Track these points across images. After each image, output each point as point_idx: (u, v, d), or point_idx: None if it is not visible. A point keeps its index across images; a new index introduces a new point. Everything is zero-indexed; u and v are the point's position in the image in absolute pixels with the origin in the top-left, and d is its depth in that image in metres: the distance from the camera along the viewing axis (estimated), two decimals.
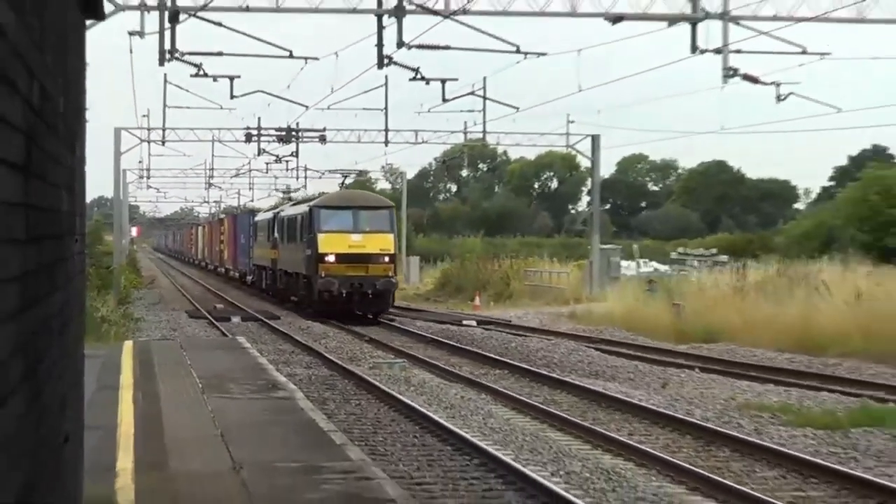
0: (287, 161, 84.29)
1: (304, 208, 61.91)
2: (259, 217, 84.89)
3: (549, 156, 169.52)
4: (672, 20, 38.60)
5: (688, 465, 20.97)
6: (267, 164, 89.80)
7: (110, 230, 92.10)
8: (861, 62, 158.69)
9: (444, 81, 49.80)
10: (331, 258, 56.10)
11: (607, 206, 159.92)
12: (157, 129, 77.51)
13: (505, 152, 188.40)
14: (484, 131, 72.65)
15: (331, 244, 56.44)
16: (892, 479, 20.37)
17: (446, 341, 45.95)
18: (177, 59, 40.16)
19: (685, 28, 38.63)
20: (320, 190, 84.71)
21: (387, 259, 56.61)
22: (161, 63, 39.56)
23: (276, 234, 71.00)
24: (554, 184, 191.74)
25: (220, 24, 39.15)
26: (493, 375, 35.63)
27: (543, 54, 40.93)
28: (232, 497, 14.39)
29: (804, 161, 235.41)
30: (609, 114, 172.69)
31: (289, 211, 69.36)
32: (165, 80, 68.72)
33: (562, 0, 38.28)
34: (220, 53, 43.67)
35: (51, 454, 7.94)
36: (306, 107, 62.10)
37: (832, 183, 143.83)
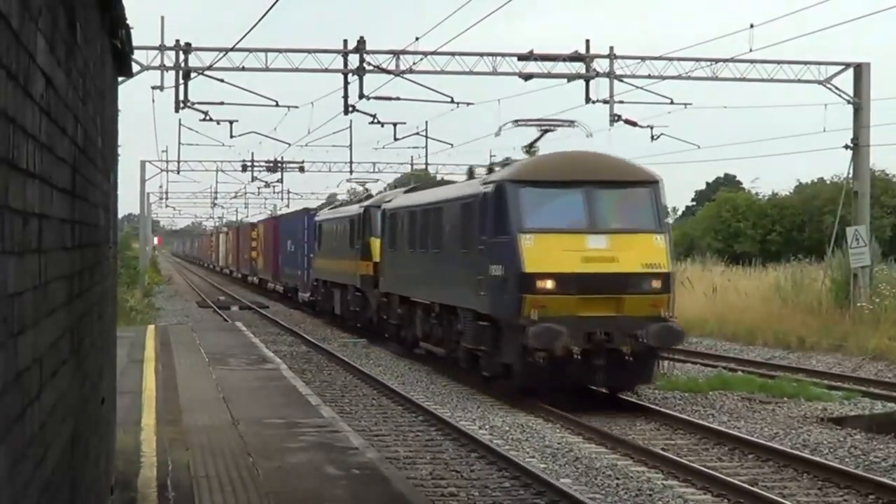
0: (274, 186, 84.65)
1: (471, 188, 26.75)
2: (325, 216, 49.69)
3: None
4: (571, 78, 38.72)
5: (584, 421, 21.05)
6: (258, 188, 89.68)
7: (137, 239, 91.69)
8: (715, 110, 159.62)
9: (395, 124, 49.69)
10: (548, 283, 23.09)
11: None
12: (174, 162, 77.07)
13: (443, 179, 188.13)
14: (426, 163, 72.67)
15: (546, 256, 23.27)
16: (741, 430, 20.53)
17: None
18: (189, 107, 39.97)
19: (580, 84, 38.79)
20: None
21: (658, 283, 23.37)
22: (176, 110, 39.39)
23: (371, 237, 38.30)
24: None
25: (222, 81, 39.04)
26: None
27: (471, 104, 40.99)
28: (231, 445, 14.38)
29: (672, 185, 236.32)
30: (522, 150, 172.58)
31: (412, 198, 33.41)
32: (180, 124, 68.64)
33: (485, 62, 38.34)
34: (222, 103, 43.51)
35: (92, 411, 7.96)
36: (289, 144, 61.75)
37: (693, 203, 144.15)
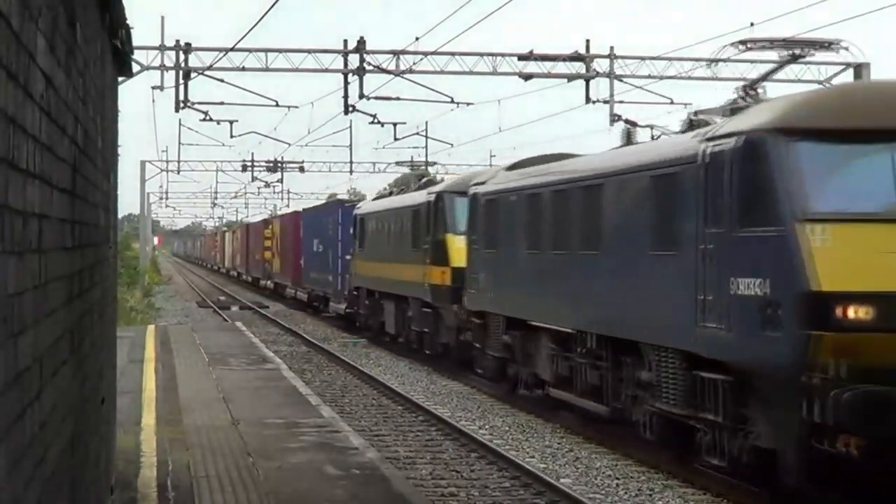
0: (274, 186, 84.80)
1: (673, 148, 16.34)
2: (371, 208, 40.26)
3: None
4: (571, 78, 38.73)
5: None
6: (258, 188, 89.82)
7: (137, 239, 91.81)
8: None
9: (395, 124, 49.72)
10: (861, 311, 12.57)
11: None
12: (174, 162, 77.19)
13: (443, 179, 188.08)
14: (426, 162, 72.80)
15: (856, 263, 12.83)
16: None
17: None
18: (189, 107, 39.97)
19: (581, 84, 38.81)
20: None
21: None
22: (176, 110, 39.38)
23: (447, 234, 29.39)
24: None
25: (222, 81, 39.02)
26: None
27: (471, 104, 41.00)
28: (231, 445, 14.38)
29: None
30: (522, 150, 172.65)
31: (529, 175, 22.74)
32: (180, 124, 68.74)
33: (485, 62, 38.34)
34: (222, 103, 43.55)
35: (92, 411, 7.97)
36: (289, 144, 61.83)
37: None
